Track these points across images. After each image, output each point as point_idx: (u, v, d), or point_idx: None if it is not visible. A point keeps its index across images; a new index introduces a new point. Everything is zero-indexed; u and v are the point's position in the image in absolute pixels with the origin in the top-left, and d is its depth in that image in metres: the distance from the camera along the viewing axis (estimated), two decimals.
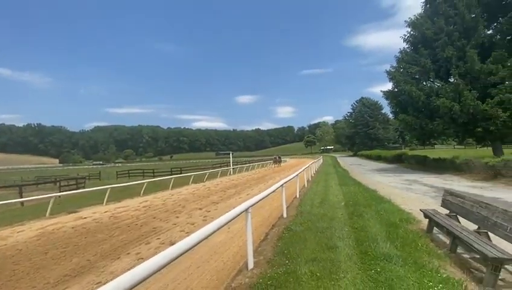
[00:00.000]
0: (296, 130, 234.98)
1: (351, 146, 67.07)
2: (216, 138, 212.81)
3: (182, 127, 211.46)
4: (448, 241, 4.02)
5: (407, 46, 18.56)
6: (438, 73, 16.79)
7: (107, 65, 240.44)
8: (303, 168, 11.78)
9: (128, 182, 14.97)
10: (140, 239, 5.28)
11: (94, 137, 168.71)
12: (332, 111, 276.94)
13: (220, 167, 31.36)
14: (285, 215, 5.99)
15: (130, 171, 28.63)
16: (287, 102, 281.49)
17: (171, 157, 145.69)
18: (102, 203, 9.48)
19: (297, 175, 8.84)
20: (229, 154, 27.59)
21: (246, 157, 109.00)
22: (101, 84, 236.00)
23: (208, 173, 18.94)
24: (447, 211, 4.56)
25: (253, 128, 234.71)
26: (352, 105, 68.61)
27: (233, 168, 25.44)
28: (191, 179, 16.09)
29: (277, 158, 37.14)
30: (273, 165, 34.76)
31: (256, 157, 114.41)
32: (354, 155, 57.69)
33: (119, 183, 12.31)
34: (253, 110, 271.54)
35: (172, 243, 4.70)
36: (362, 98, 66.35)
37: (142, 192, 11.77)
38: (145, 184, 12.16)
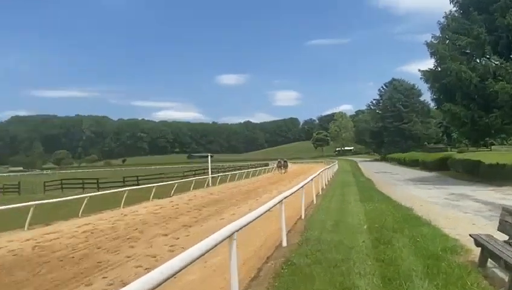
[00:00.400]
0: (301, 123, 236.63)
1: (377, 147, 67.72)
2: (189, 135, 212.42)
3: (140, 119, 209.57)
4: (507, 279, 4.09)
5: (454, 9, 18.57)
6: (495, 47, 16.71)
7: (28, 26, 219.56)
8: (311, 177, 11.89)
9: (62, 196, 14.89)
10: (79, 279, 5.16)
11: (11, 132, 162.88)
12: (352, 98, 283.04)
13: (195, 175, 31.79)
14: (285, 243, 6.00)
15: (63, 182, 28.51)
16: (288, 84, 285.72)
17: (123, 161, 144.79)
18: (23, 227, 9.44)
19: (302, 187, 8.93)
20: (207, 157, 27.97)
21: (232, 162, 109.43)
22: (22, 53, 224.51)
23: (176, 184, 18.94)
24: (506, 237, 4.57)
25: (242, 120, 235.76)
26: (379, 90, 69.41)
27: (213, 177, 25.74)
28: (153, 193, 16.07)
29: (282, 162, 39.50)
30: (281, 171, 37.47)
31: (247, 161, 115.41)
32: (382, 159, 58.44)
33: (49, 199, 12.26)
34: (241, 95, 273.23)
35: (124, 284, 4.68)
36: (393, 80, 67.17)
37: (81, 211, 11.72)
38: (86, 200, 12.02)
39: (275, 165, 42.63)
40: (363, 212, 8.51)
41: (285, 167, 39.54)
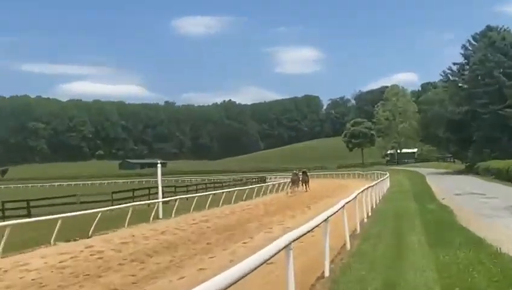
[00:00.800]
0: (325, 107, 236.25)
1: (460, 148, 67.49)
2: (122, 125, 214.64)
3: (33, 96, 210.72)
4: None
5: None
6: None
7: None
8: (341, 203, 11.93)
9: None
10: None
11: None
12: (415, 61, 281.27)
13: (133, 198, 32.25)
14: None
15: None
16: (302, 36, 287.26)
17: (3, 173, 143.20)
18: None
19: (326, 219, 8.94)
20: (155, 165, 28.08)
21: (201, 175, 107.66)
22: None
23: (100, 215, 18.85)
24: None
25: (219, 100, 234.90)
26: (464, 47, 69.50)
27: (166, 202, 25.83)
28: (56, 231, 16.01)
29: (300, 175, 43.10)
30: (295, 188, 40.57)
31: (228, 174, 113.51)
32: (469, 171, 58.26)
33: None
34: (218, 54, 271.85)
35: None
36: (489, 29, 67.38)
37: None
38: None
39: (289, 180, 45.01)
40: (433, 266, 8.59)
41: (306, 181, 42.34)
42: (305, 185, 42.08)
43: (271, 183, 49.71)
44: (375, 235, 12.88)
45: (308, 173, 45.74)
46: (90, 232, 17.64)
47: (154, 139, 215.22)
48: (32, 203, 27.46)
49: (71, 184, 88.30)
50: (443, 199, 24.87)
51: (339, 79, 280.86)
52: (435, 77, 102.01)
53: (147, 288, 9.25)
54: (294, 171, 45.73)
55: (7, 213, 25.01)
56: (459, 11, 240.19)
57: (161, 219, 23.20)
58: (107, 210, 21.12)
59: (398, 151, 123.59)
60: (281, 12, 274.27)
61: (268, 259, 5.52)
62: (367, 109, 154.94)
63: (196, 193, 37.43)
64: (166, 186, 37.14)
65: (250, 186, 41.74)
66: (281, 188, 44.70)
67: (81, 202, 29.88)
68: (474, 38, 69.04)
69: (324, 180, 62.77)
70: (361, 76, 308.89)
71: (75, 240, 16.57)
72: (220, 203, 29.98)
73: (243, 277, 4.53)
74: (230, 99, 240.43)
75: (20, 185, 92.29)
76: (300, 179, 42.37)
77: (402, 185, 39.48)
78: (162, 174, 28.09)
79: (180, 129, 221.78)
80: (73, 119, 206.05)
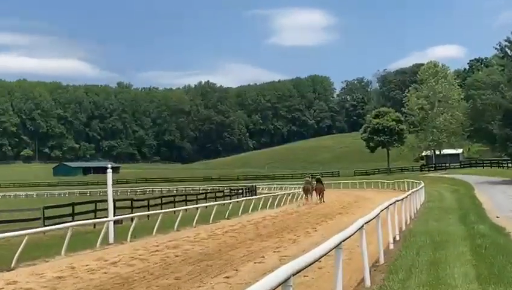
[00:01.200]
0: (337, 92, 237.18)
1: None
2: (57, 113, 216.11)
3: None
4: None
5: None
6: None
7: None
8: (358, 223, 11.96)
9: None
10: None
11: None
12: (460, 31, 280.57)
13: (72, 216, 31.84)
14: None
15: None
16: None
17: None
18: None
19: (338, 245, 8.96)
20: (103, 171, 28.08)
21: (168, 184, 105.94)
22: None
23: (26, 239, 18.74)
24: None
25: (194, 81, 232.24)
26: None
27: (119, 222, 25.59)
28: None
29: (313, 183, 46.40)
30: (309, 198, 43.87)
31: (204, 183, 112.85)
32: None
33: None
34: (191, 17, 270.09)
35: None
36: None
37: None
38: None
39: (300, 189, 48.61)
40: None
41: (321, 191, 45.31)
42: (320, 195, 44.99)
43: (264, 195, 49.68)
44: (405, 267, 12.90)
45: (321, 180, 47.86)
46: (12, 263, 17.51)
47: (102, 134, 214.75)
48: None
49: None
50: (497, 217, 24.96)
51: (356, 54, 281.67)
52: (488, 52, 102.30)
53: None
54: (307, 178, 48.51)
55: None
56: None
57: (112, 244, 23.16)
58: (37, 232, 21.00)
59: (437, 152, 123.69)
60: None
61: None
62: (394, 95, 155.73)
63: (161, 208, 37.39)
64: (119, 200, 36.99)
65: (236, 200, 41.67)
66: (277, 201, 44.86)
67: (0, 221, 29.68)
68: None
69: (336, 191, 62.98)
70: (387, 50, 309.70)
71: None
72: (194, 223, 30.05)
73: None
74: (208, 81, 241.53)
75: None
76: (314, 187, 45.28)
77: (442, 199, 39.61)
78: (115, 183, 28.13)
79: (139, 121, 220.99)
80: None
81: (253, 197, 48.65)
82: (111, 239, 23.76)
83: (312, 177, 48.39)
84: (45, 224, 27.52)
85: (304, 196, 45.74)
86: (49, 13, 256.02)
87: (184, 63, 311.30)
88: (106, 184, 27.11)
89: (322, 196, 45.16)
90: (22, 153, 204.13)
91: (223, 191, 63.16)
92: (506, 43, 70.91)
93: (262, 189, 79.19)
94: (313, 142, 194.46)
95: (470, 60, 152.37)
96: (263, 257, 17.78)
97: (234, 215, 35.43)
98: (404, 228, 20.30)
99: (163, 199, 51.46)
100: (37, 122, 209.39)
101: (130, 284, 14.08)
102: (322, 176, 58.59)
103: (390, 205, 17.74)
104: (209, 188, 71.64)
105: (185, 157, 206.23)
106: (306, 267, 7.37)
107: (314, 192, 45.64)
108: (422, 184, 42.60)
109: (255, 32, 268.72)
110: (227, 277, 14.37)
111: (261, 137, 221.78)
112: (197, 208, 33.34)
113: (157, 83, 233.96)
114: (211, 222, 31.54)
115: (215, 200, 41.96)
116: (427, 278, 11.63)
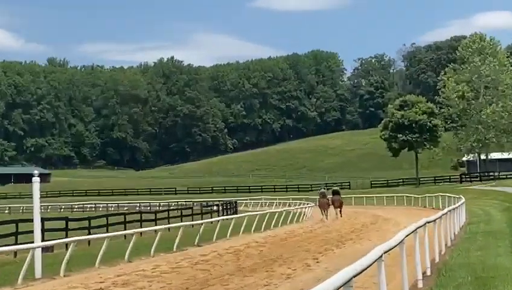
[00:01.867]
0: (349, 73, 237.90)
1: None
2: None
3: None
4: None
5: None
6: None
7: None
8: (372, 257, 12.06)
9: None
10: None
11: None
12: None
13: None
14: None
15: None
16: None
17: None
18: None
19: None
20: (29, 179, 28.26)
21: (119, 197, 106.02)
22: None
23: None
24: None
25: (154, 57, 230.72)
26: None
27: (51, 247, 25.50)
28: None
29: (326, 193, 51.79)
30: (326, 212, 48.55)
31: (168, 197, 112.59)
32: None
33: None
34: None
35: None
36: None
37: None
38: None
39: (316, 203, 52.28)
40: None
41: (340, 204, 50.44)
42: (338, 210, 49.42)
43: (247, 213, 49.87)
44: None
45: (339, 192, 52.34)
46: None
47: (27, 129, 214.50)
48: None
49: None
50: None
51: (374, 23, 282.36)
52: None
53: None
54: (322, 190, 52.42)
55: None
56: None
57: (39, 279, 23.11)
58: None
59: (483, 157, 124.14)
60: None
61: None
62: (425, 78, 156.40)
63: (107, 231, 37.41)
64: (50, 219, 36.94)
65: (210, 220, 41.87)
66: (265, 222, 44.86)
67: None
68: None
69: (347, 209, 63.22)
70: (416, 18, 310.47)
71: None
72: (152, 251, 30.12)
73: None
74: (172, 57, 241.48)
75: None
76: (330, 201, 49.32)
77: (489, 220, 39.86)
78: (44, 196, 28.07)
79: (78, 112, 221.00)
80: None
81: (233, 216, 48.73)
82: (38, 273, 23.61)
83: (327, 189, 50.38)
84: None
85: (321, 211, 48.81)
86: None
87: (139, 32, 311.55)
88: (32, 197, 27.06)
89: (341, 210, 49.09)
90: None
91: (191, 208, 63.38)
92: None
93: (245, 205, 79.45)
94: (315, 142, 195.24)
95: None
96: None
97: (207, 241, 35.53)
98: (437, 259, 20.38)
99: (109, 218, 51.48)
100: None
101: None
102: (328, 188, 59.67)
103: (418, 227, 17.81)
104: (173, 204, 71.64)
105: (141, 162, 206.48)
106: None
107: (330, 206, 49.20)
108: (463, 200, 42.82)
109: None
110: None
111: (244, 135, 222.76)
112: (156, 231, 33.33)
113: (102, 59, 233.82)
114: (174, 249, 31.63)
115: (181, 221, 41.93)
116: None
